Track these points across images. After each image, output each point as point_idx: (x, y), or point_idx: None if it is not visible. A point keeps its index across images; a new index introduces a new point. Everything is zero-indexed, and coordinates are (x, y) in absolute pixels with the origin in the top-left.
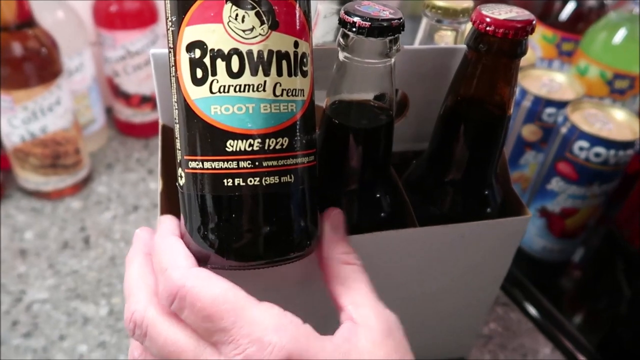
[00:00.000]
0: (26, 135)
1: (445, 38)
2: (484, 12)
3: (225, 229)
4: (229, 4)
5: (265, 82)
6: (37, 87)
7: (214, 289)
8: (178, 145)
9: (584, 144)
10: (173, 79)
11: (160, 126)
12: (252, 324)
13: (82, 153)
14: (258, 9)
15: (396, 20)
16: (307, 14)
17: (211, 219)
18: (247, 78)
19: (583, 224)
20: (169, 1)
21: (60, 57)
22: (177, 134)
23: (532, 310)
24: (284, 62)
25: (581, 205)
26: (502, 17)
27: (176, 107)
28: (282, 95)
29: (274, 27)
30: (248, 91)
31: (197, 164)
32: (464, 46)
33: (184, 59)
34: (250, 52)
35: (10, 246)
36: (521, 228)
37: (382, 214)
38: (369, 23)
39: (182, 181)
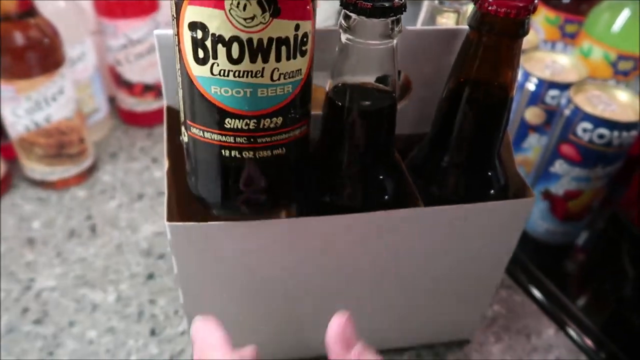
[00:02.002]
0: (30, 125)
1: (447, 20)
2: None
3: (221, 188)
4: None
5: (263, 68)
6: (40, 76)
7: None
8: (182, 106)
9: (587, 125)
10: (176, 48)
11: (165, 107)
12: None
13: (87, 142)
14: None
15: (398, 1)
16: None
17: (209, 179)
18: (246, 65)
19: (587, 206)
20: None
21: (62, 47)
22: (180, 97)
23: (536, 293)
24: (284, 48)
25: (585, 188)
26: None
27: (179, 74)
28: (279, 79)
29: (275, 14)
30: (247, 77)
31: (199, 131)
32: (466, 27)
33: (186, 35)
34: (250, 40)
35: (18, 235)
36: (526, 210)
37: (386, 196)
38: (371, 4)
39: (185, 139)
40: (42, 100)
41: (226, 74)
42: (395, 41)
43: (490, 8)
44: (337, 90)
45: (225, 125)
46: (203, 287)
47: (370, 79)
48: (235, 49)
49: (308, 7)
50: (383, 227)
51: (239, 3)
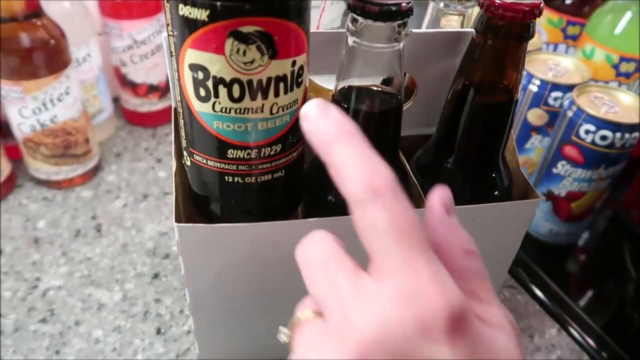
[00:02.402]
0: (37, 126)
1: (452, 22)
2: None
3: (222, 206)
4: (231, 39)
5: (263, 104)
6: (46, 77)
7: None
8: (183, 133)
9: (590, 127)
10: (176, 81)
11: (173, 109)
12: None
13: (92, 142)
14: (259, 43)
15: (405, 4)
16: (305, 27)
17: (212, 198)
18: (246, 102)
19: (589, 207)
20: (169, 14)
21: (68, 47)
22: (182, 124)
23: (539, 293)
24: (282, 84)
25: (587, 189)
26: (509, 0)
27: (180, 105)
28: (278, 112)
29: (273, 56)
30: (247, 113)
31: (201, 159)
32: (471, 30)
33: (187, 74)
34: (250, 81)
35: (24, 235)
36: (530, 211)
37: None
38: (378, 7)
39: (187, 163)
40: (49, 101)
41: (228, 111)
42: (401, 44)
43: (496, 12)
44: (344, 93)
45: (227, 155)
46: (210, 288)
47: (376, 81)
48: (236, 89)
49: (303, 39)
50: None
51: (238, 49)
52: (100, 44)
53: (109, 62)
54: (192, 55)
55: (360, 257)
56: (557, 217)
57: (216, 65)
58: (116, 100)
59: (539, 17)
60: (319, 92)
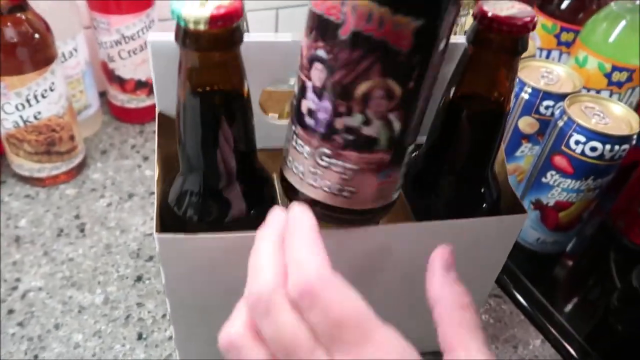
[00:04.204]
0: (19, 122)
1: None
2: (485, 8)
3: None
4: None
5: None
6: (30, 73)
7: (352, 300)
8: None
9: (580, 137)
10: None
11: (156, 113)
12: (379, 348)
13: (77, 139)
14: None
15: None
16: None
17: None
18: None
19: (577, 217)
20: None
21: (53, 42)
22: None
23: (524, 302)
24: None
25: (575, 199)
26: (503, 13)
27: None
28: None
29: None
30: None
31: None
32: (464, 41)
33: None
34: None
35: (4, 233)
36: (517, 226)
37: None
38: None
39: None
40: (32, 97)
41: None
42: None
43: (489, 25)
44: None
45: None
46: (191, 298)
47: None
48: None
49: None
50: (374, 239)
51: None
52: (87, 38)
53: (97, 56)
54: None
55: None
56: (544, 226)
57: None
58: (103, 94)
59: (532, 30)
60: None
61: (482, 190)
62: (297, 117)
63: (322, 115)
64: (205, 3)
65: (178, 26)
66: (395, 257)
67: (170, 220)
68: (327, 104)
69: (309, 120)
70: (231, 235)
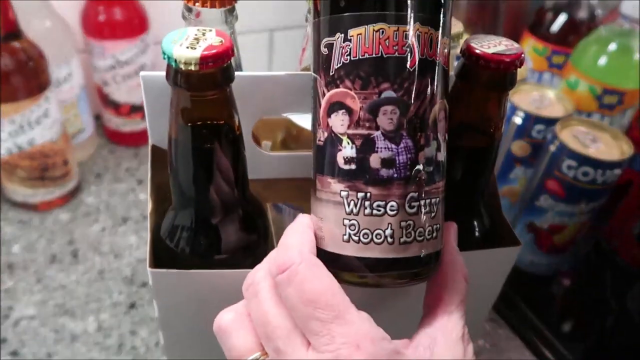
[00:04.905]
0: (13, 148)
1: None
2: (472, 45)
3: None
4: None
5: None
6: (24, 100)
7: (327, 280)
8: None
9: (572, 162)
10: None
11: (150, 146)
12: (351, 327)
13: (71, 164)
14: None
15: None
16: None
17: None
18: None
19: (571, 239)
20: None
21: (47, 69)
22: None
23: (520, 326)
24: None
25: (569, 222)
26: (490, 50)
27: None
28: None
29: None
30: None
31: None
32: (452, 74)
33: None
34: None
35: None
36: (511, 257)
37: None
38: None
39: None
40: (26, 124)
41: None
42: None
43: (476, 62)
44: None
45: None
46: (185, 330)
47: None
48: None
49: None
50: None
51: None
52: (82, 62)
53: (91, 79)
54: None
55: None
56: (539, 248)
57: None
58: (98, 118)
59: (520, 67)
60: (301, 131)
61: (475, 221)
62: (367, 178)
63: (404, 158)
64: (196, 43)
65: (169, 66)
66: (388, 291)
67: (163, 252)
68: (408, 142)
69: (385, 172)
70: (225, 272)
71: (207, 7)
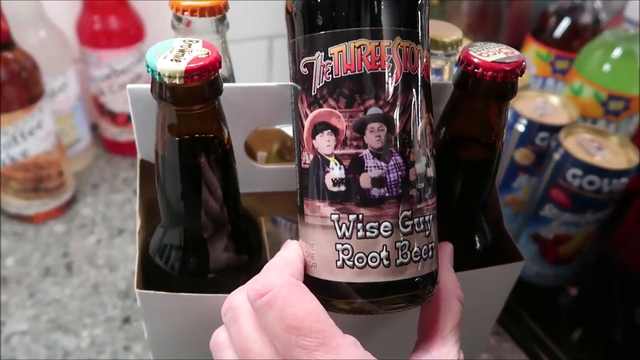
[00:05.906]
0: (6, 160)
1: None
2: (471, 53)
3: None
4: None
5: None
6: (17, 111)
7: (310, 304)
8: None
9: (577, 171)
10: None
11: (138, 160)
12: (338, 354)
13: (66, 175)
14: None
15: None
16: None
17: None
18: None
19: (577, 250)
20: None
21: (41, 79)
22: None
23: (525, 340)
24: None
25: (575, 232)
26: (490, 58)
27: None
28: None
29: None
30: None
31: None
32: (450, 83)
33: None
34: None
35: None
36: (515, 272)
37: None
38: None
39: None
40: (19, 135)
41: None
42: None
43: (476, 70)
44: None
45: None
46: (174, 350)
47: None
48: None
49: None
50: None
51: None
52: (78, 71)
53: (87, 88)
54: None
55: None
56: (544, 259)
57: None
58: (95, 127)
59: (520, 76)
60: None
61: (476, 236)
62: (358, 199)
63: (394, 175)
64: (181, 56)
65: (153, 80)
66: (379, 315)
67: (152, 271)
68: (397, 159)
69: (377, 192)
70: (215, 296)
71: (196, 16)
